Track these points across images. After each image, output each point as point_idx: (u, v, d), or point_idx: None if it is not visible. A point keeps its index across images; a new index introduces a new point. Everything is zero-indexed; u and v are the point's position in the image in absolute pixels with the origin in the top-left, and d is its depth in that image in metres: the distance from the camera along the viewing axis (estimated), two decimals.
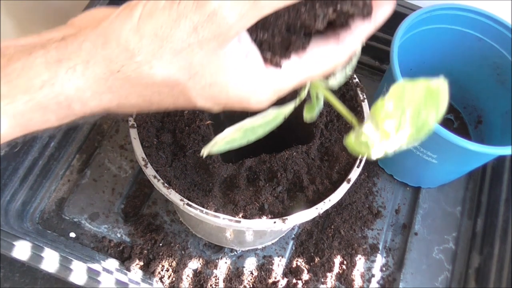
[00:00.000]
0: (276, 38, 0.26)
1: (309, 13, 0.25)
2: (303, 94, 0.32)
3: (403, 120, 0.26)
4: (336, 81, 0.34)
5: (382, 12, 0.28)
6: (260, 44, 0.26)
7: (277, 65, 0.27)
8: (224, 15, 0.23)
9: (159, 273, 0.53)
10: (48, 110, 0.24)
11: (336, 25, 0.28)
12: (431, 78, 0.26)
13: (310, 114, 0.35)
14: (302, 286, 0.54)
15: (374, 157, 0.28)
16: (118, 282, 0.44)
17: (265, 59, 0.27)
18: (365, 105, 0.46)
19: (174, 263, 0.54)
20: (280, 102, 0.30)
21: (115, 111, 0.27)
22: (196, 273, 0.54)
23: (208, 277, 0.53)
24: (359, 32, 0.28)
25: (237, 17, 0.23)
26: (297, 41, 0.27)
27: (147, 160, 0.40)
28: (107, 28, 0.24)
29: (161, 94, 0.26)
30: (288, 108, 0.31)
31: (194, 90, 0.25)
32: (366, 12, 0.27)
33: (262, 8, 0.24)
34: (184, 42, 0.24)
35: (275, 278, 0.55)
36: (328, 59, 0.28)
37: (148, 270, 0.53)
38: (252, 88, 0.27)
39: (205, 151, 0.30)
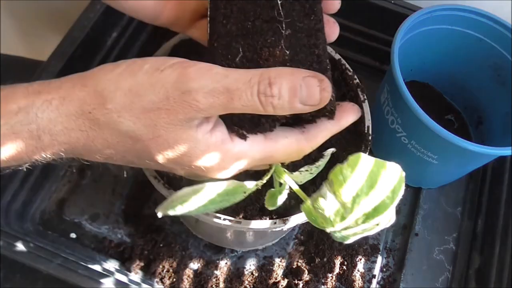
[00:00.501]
0: (247, 115, 0.28)
1: None
2: (266, 177, 0.33)
3: (360, 191, 0.26)
4: (300, 176, 0.35)
5: (347, 118, 0.32)
6: (230, 117, 0.28)
7: (243, 137, 0.29)
8: (197, 99, 0.25)
9: (159, 273, 0.53)
10: (19, 138, 0.26)
11: (303, 121, 0.31)
12: (386, 159, 0.27)
13: (271, 204, 0.35)
14: (302, 286, 0.54)
15: (329, 230, 0.28)
16: (119, 282, 0.44)
17: (232, 130, 0.29)
18: (365, 106, 0.46)
19: (174, 264, 0.54)
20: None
21: (82, 155, 0.28)
22: (197, 274, 0.54)
23: (209, 277, 0.53)
24: (324, 128, 0.31)
25: (208, 105, 0.25)
26: (266, 123, 0.29)
27: None
28: (89, 74, 0.27)
29: (125, 144, 0.27)
30: (249, 185, 0.32)
31: (156, 149, 0.27)
32: (329, 107, 0.29)
33: (233, 108, 0.26)
34: (154, 105, 0.25)
35: (276, 279, 0.55)
36: (292, 144, 0.31)
37: (148, 271, 0.53)
38: (215, 156, 0.28)
39: (159, 212, 0.30)
